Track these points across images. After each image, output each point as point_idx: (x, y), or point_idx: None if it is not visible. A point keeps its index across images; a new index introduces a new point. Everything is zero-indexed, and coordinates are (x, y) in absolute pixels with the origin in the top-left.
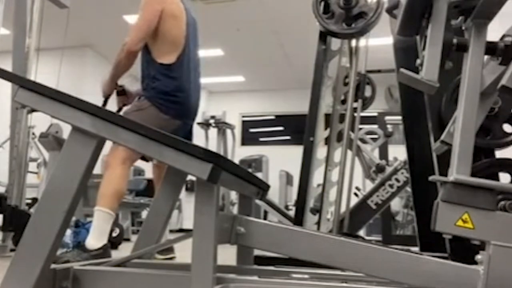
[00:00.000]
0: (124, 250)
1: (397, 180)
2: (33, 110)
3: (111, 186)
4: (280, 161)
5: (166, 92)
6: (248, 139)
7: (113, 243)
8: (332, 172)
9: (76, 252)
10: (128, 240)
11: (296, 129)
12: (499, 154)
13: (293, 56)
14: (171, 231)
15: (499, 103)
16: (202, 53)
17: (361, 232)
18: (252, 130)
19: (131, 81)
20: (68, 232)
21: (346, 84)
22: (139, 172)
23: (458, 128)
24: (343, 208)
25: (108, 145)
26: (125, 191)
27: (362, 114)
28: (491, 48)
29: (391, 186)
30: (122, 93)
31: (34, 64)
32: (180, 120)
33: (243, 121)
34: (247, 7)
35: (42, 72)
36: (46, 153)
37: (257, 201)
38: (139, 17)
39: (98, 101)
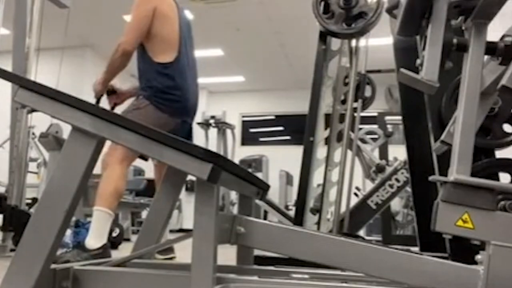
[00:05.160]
0: (124, 250)
1: (397, 180)
2: (33, 110)
3: (109, 185)
4: (280, 161)
5: (163, 90)
6: (248, 139)
7: (113, 243)
8: (332, 172)
9: (76, 252)
10: (128, 240)
11: (296, 129)
12: (499, 154)
13: (293, 56)
14: (171, 231)
15: (499, 103)
16: (202, 53)
17: (361, 232)
18: (252, 130)
19: (124, 80)
20: (68, 232)
21: (346, 84)
22: (139, 172)
23: (458, 128)
24: (343, 208)
25: (107, 144)
26: (124, 190)
27: (362, 114)
28: (491, 48)
29: (391, 186)
30: (113, 92)
31: (34, 64)
32: (178, 119)
33: (243, 121)
34: (247, 7)
35: (42, 72)
36: (46, 153)
37: (257, 201)
38: (132, 18)
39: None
